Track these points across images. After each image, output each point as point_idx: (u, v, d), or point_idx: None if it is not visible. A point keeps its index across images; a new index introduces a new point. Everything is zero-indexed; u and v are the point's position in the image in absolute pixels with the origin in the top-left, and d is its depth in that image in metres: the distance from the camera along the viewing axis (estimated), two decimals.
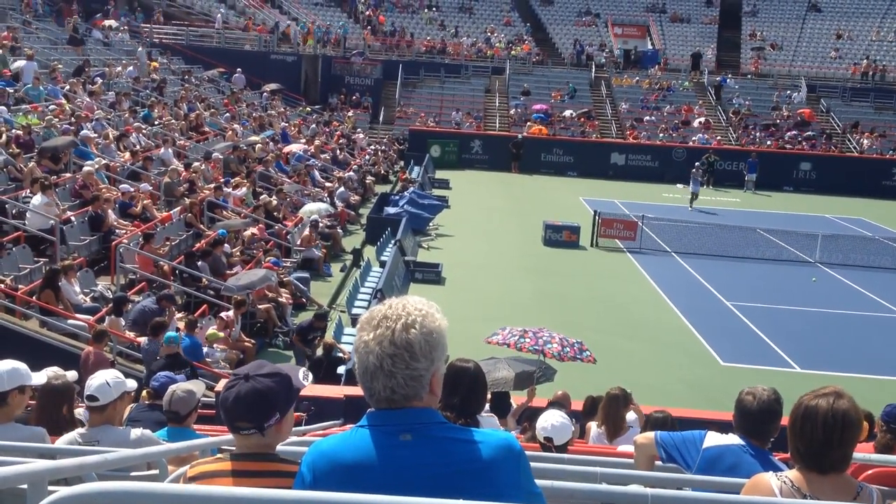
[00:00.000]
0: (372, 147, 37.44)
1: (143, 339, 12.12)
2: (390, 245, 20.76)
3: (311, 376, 3.00)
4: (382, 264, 19.45)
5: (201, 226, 18.56)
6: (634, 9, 54.76)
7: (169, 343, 10.77)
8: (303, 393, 2.96)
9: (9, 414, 4.81)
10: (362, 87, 45.56)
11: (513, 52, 49.06)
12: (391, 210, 25.93)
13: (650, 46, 51.74)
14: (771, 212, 33.09)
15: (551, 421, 5.95)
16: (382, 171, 34.35)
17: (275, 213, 21.17)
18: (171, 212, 18.32)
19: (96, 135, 20.77)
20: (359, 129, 40.07)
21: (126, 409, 6.27)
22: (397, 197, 27.34)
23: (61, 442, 4.91)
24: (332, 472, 2.25)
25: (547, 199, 32.36)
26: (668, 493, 2.91)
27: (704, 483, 3.78)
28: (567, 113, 43.92)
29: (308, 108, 41.86)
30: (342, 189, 26.95)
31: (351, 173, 30.04)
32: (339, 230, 23.22)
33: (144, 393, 7.54)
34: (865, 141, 42.96)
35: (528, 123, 42.55)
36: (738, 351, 17.16)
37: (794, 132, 43.48)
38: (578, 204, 31.85)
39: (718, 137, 43.26)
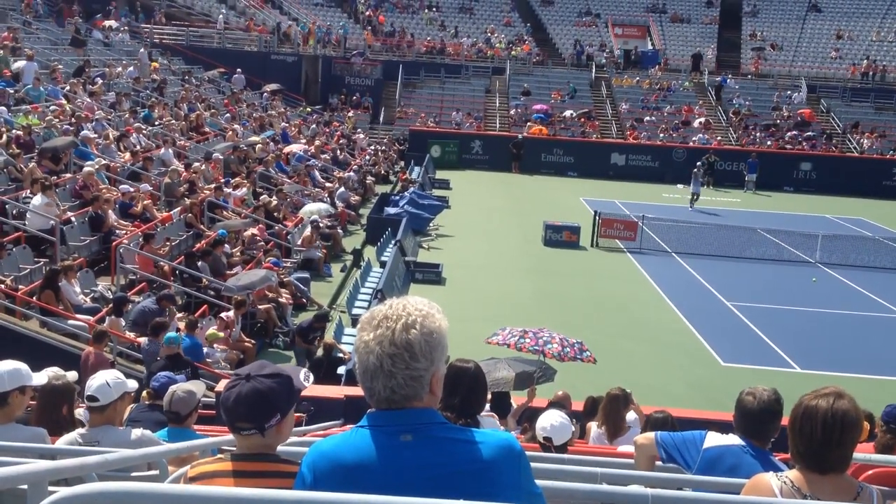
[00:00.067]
0: (372, 147, 37.45)
1: (143, 340, 12.12)
2: (391, 245, 20.77)
3: (312, 377, 3.01)
4: (383, 265, 19.45)
5: (201, 226, 18.56)
6: (635, 9, 54.77)
7: (169, 343, 10.77)
8: (303, 393, 2.96)
9: (9, 414, 4.81)
10: (363, 87, 45.57)
11: (513, 53, 49.06)
12: (391, 210, 25.93)
13: (650, 47, 51.74)
14: (771, 212, 33.09)
15: (551, 421, 5.95)
16: (383, 172, 34.35)
17: (275, 214, 21.17)
18: (172, 212, 18.32)
19: (96, 135, 20.78)
20: (359, 130, 40.08)
21: (126, 409, 6.26)
22: (397, 197, 27.33)
23: (62, 442, 4.90)
24: (333, 472, 2.25)
25: (547, 200, 32.37)
26: (669, 493, 2.91)
27: (705, 483, 3.78)
28: (567, 113, 43.92)
29: (308, 109, 41.88)
30: (342, 189, 26.95)
31: (351, 174, 30.04)
32: (340, 230, 23.21)
33: (145, 393, 7.53)
34: (866, 141, 42.95)
35: (529, 124, 42.54)
36: (739, 351, 17.16)
37: (794, 132, 43.48)
38: (579, 204, 31.86)
39: (719, 138, 43.26)
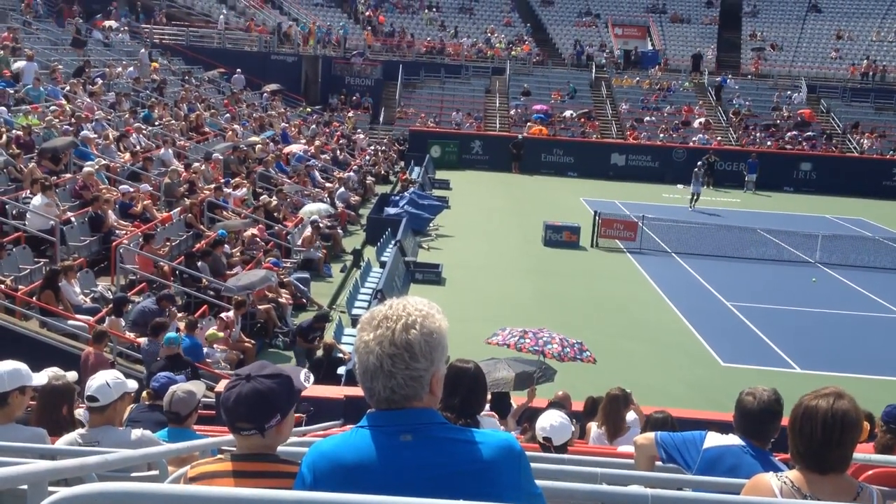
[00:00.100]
0: (372, 147, 37.44)
1: (143, 340, 12.12)
2: (390, 245, 20.77)
3: (312, 377, 3.01)
4: (383, 265, 19.45)
5: (201, 226, 18.56)
6: (635, 9, 54.77)
7: (169, 344, 10.77)
8: (303, 393, 2.96)
9: (9, 415, 4.81)
10: (362, 87, 45.57)
11: (513, 53, 49.06)
12: (391, 210, 25.93)
13: (650, 47, 51.74)
14: (771, 212, 33.09)
15: (550, 421, 5.95)
16: (383, 172, 34.35)
17: (275, 214, 21.17)
18: (172, 212, 18.32)
19: (96, 135, 20.78)
20: (359, 130, 40.08)
21: (126, 409, 6.26)
22: (397, 197, 27.33)
23: (61, 443, 4.90)
24: (333, 472, 2.25)
25: (547, 200, 32.37)
26: (669, 493, 2.91)
27: (705, 483, 3.78)
28: (567, 113, 43.92)
29: (308, 109, 41.88)
30: (342, 189, 26.95)
31: (351, 174, 30.04)
32: (340, 231, 23.22)
33: (145, 394, 7.53)
34: (866, 141, 42.96)
35: (529, 124, 42.54)
36: (739, 351, 17.16)
37: (794, 132, 43.48)
38: (579, 204, 31.86)
39: (719, 138, 43.26)
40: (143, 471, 4.46)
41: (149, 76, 32.81)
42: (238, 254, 17.55)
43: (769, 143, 42.81)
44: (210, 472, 2.82)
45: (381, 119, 44.21)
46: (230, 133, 27.95)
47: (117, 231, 16.12)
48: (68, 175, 17.96)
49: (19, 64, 24.27)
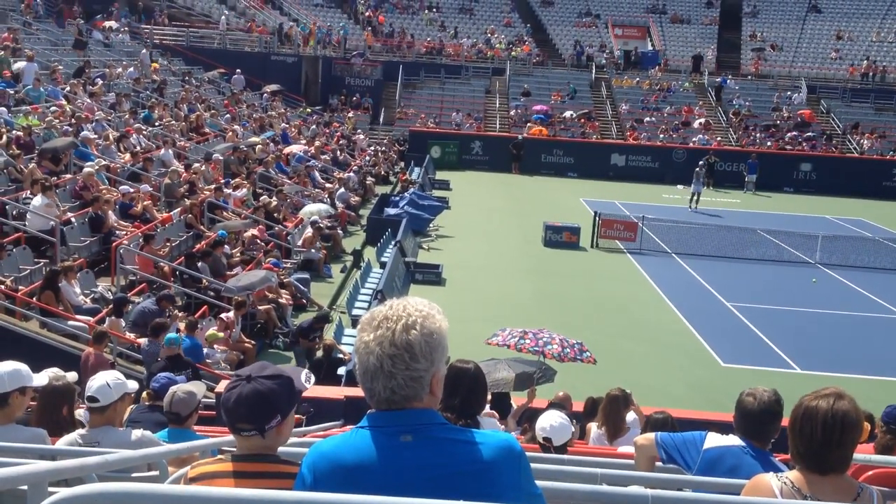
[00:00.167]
0: (372, 148, 37.45)
1: (143, 341, 12.12)
2: (391, 246, 20.76)
3: (313, 378, 3.01)
4: (383, 265, 19.45)
5: (201, 227, 18.57)
6: (635, 10, 54.78)
7: (169, 344, 10.77)
8: (303, 394, 2.97)
9: (9, 415, 4.81)
10: (363, 88, 45.58)
11: (513, 53, 49.07)
12: (391, 211, 25.93)
13: (650, 47, 51.75)
14: (771, 213, 33.08)
15: (550, 421, 5.95)
16: (383, 172, 34.35)
17: (275, 214, 21.18)
18: (172, 213, 18.33)
19: (96, 136, 20.78)
20: (359, 130, 40.09)
21: (126, 410, 6.27)
22: (397, 198, 27.33)
23: (62, 443, 4.90)
24: (333, 473, 2.25)
25: (547, 200, 32.37)
26: (669, 493, 2.91)
27: (705, 484, 3.78)
28: (567, 114, 43.92)
29: (308, 109, 41.89)
30: (342, 190, 26.96)
31: (351, 174, 30.04)
32: (340, 231, 23.22)
33: (145, 394, 7.53)
34: (866, 142, 42.96)
35: (529, 124, 42.55)
36: (739, 352, 17.15)
37: (794, 133, 43.48)
38: (579, 205, 31.86)
39: (719, 138, 43.27)
40: (144, 471, 4.46)
41: (149, 77, 32.82)
42: (238, 254, 17.55)
43: (769, 143, 42.81)
44: (210, 473, 2.82)
45: (381, 119, 44.22)
46: (230, 133, 27.96)
47: (117, 231, 16.13)
48: (68, 175, 17.97)
49: (19, 64, 24.29)
